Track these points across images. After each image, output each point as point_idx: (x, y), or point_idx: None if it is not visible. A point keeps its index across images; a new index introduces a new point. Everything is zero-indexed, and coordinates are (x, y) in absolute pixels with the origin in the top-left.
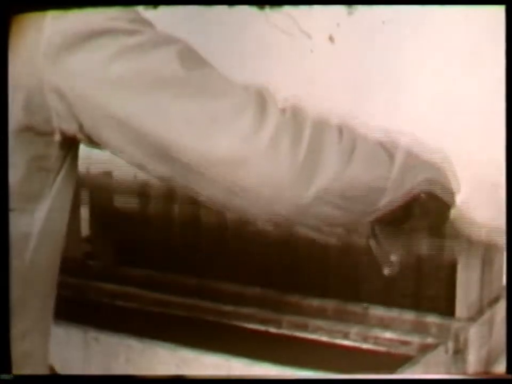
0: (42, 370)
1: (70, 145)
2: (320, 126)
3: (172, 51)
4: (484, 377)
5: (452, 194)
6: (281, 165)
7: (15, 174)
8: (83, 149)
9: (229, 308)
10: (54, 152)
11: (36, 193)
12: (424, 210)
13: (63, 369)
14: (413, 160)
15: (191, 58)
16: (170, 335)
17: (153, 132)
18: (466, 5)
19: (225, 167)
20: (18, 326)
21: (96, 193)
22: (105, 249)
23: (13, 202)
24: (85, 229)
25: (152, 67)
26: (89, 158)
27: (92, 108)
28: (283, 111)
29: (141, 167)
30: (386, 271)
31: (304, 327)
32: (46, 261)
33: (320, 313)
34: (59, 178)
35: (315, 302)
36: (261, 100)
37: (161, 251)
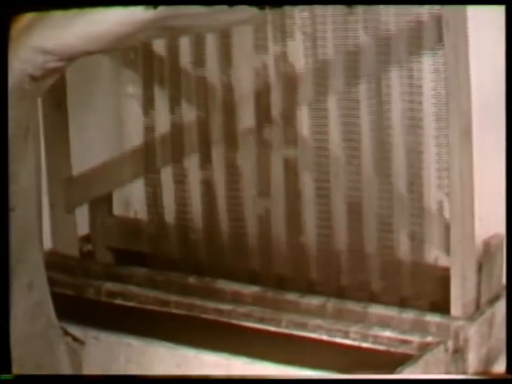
0: (54, 323)
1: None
2: None
3: None
4: (484, 377)
5: None
6: None
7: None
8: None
9: (228, 307)
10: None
11: (19, 150)
12: None
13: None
14: None
15: None
16: (170, 333)
17: None
18: (467, 5)
19: None
20: (24, 279)
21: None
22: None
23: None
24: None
25: None
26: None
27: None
28: None
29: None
30: None
31: (304, 326)
32: (33, 217)
33: (320, 312)
34: (30, 137)
35: (314, 301)
36: None
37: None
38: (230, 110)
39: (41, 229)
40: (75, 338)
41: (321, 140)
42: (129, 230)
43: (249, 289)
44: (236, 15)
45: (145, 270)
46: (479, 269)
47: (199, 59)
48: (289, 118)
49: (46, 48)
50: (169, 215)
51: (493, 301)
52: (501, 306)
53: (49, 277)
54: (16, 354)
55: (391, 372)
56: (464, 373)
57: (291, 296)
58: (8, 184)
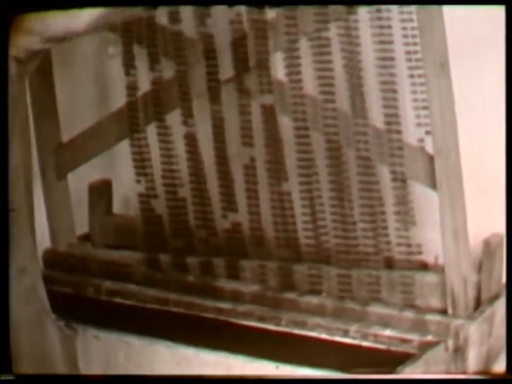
0: (47, 308)
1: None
2: None
3: None
4: (484, 376)
5: None
6: None
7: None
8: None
9: (227, 305)
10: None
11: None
12: None
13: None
14: None
15: None
16: (170, 332)
17: None
18: (467, 5)
19: None
20: (16, 263)
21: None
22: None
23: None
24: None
25: None
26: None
27: None
28: None
29: None
30: None
31: (303, 325)
32: (22, 203)
33: (319, 311)
34: (16, 125)
35: (314, 300)
36: None
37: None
38: (210, 61)
39: (32, 215)
40: (68, 325)
41: (296, 83)
42: (128, 228)
43: (249, 288)
44: None
45: (144, 269)
46: (479, 267)
47: (174, 15)
48: (264, 65)
49: (32, 29)
50: (157, 173)
51: (493, 299)
52: (501, 305)
53: (49, 275)
54: (11, 339)
55: (392, 371)
56: (464, 372)
57: (291, 295)
58: (8, 183)
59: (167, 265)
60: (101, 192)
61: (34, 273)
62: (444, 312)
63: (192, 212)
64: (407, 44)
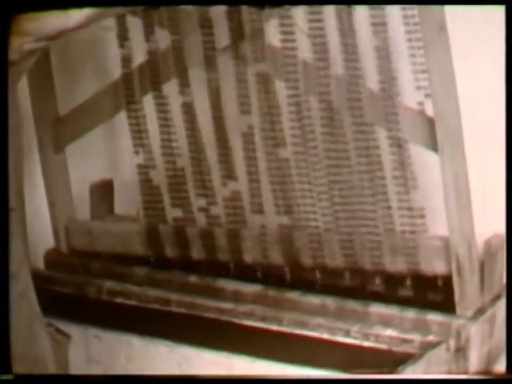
0: (38, 313)
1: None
2: None
3: None
4: (485, 376)
5: None
6: None
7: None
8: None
9: (229, 305)
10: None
11: None
12: None
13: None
14: None
15: None
16: (171, 332)
17: None
18: (467, 5)
19: None
20: (11, 266)
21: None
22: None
23: None
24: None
25: None
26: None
27: None
28: None
29: None
30: None
31: (305, 325)
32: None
33: (321, 311)
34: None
35: (315, 300)
36: None
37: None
38: (205, 30)
39: (24, 219)
40: (58, 330)
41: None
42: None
43: (250, 288)
44: None
45: (146, 269)
46: (481, 268)
47: None
48: (259, 32)
49: (23, 29)
50: (155, 144)
51: (494, 300)
52: (502, 305)
53: (50, 275)
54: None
55: (393, 371)
56: (465, 372)
57: (292, 295)
58: (8, 184)
59: (167, 237)
60: (102, 192)
61: (25, 279)
62: (449, 276)
63: (192, 181)
64: (404, 7)
